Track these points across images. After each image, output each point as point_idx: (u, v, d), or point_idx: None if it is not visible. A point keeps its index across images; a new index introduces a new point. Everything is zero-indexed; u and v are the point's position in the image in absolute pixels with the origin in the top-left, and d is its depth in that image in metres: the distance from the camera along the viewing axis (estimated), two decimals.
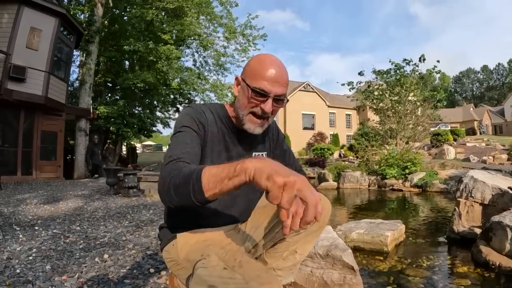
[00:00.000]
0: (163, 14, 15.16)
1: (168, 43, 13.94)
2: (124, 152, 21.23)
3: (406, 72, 12.32)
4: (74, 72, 18.07)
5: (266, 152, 1.37)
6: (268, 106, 1.12)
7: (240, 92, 1.18)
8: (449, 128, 27.95)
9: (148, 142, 51.57)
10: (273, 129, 1.43)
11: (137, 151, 26.96)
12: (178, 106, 18.23)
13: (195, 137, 1.11)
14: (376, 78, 13.07)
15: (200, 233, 1.19)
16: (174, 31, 15.36)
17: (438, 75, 14.27)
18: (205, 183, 0.81)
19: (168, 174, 0.92)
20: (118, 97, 16.74)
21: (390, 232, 3.25)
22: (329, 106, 39.45)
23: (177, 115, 17.87)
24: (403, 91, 11.95)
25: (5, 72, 9.58)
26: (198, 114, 1.16)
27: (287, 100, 1.19)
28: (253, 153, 1.31)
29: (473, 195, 3.58)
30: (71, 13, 12.74)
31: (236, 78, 1.20)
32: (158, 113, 18.51)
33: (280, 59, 1.15)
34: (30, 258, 2.70)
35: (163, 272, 2.35)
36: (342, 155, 25.12)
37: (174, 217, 1.24)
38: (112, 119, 14.17)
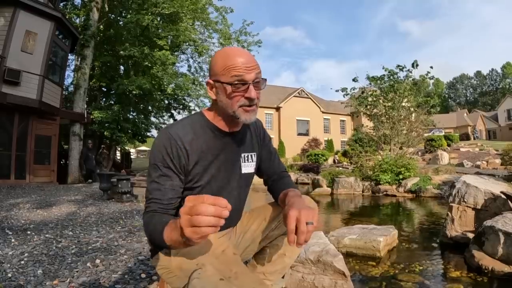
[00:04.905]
0: (158, 19, 15.19)
1: (163, 48, 13.95)
2: (118, 157, 21.13)
3: (399, 78, 12.43)
4: (69, 76, 18.03)
5: (254, 153, 1.36)
6: (252, 92, 1.11)
7: (218, 94, 1.16)
8: (443, 133, 28.07)
9: (142, 148, 51.33)
10: (259, 128, 1.42)
11: (131, 156, 26.84)
12: (173, 111, 18.23)
13: (172, 175, 1.13)
14: (370, 84, 13.19)
15: None
16: (169, 36, 15.37)
17: (432, 81, 14.40)
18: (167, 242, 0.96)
19: (146, 225, 1.09)
20: (112, 102, 16.67)
21: (382, 238, 3.25)
22: (323, 112, 39.63)
23: (171, 120, 17.93)
24: (396, 97, 12.05)
25: (0, 76, 9.54)
26: (173, 147, 1.12)
27: (266, 80, 1.18)
28: (242, 154, 1.29)
29: (465, 200, 3.61)
30: (67, 17, 12.74)
31: (208, 83, 1.18)
32: (153, 119, 18.43)
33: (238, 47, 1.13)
34: (22, 262, 2.67)
35: (154, 278, 2.33)
36: (336, 161, 25.15)
37: None
38: (107, 124, 14.09)
